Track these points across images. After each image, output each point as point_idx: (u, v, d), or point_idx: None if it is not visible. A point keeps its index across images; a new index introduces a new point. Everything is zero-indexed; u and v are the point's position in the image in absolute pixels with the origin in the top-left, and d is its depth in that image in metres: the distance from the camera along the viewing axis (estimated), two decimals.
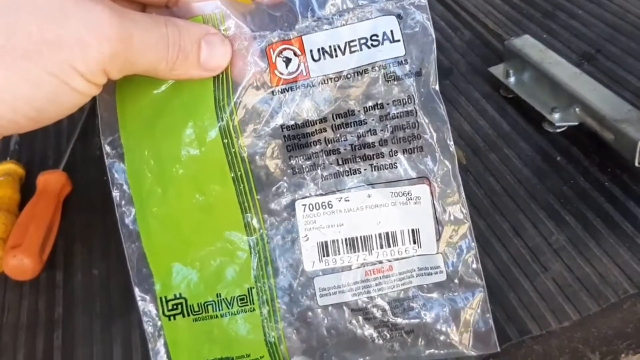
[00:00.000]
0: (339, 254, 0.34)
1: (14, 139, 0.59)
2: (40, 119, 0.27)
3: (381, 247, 0.34)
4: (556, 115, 0.48)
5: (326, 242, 0.34)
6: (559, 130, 0.49)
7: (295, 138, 0.33)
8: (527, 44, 0.53)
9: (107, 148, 0.34)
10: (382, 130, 0.33)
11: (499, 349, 0.34)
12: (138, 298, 0.34)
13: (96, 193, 0.53)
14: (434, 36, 0.32)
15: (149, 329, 0.35)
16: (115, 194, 0.34)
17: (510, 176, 0.47)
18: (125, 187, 0.34)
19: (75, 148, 0.57)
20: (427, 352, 0.35)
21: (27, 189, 0.54)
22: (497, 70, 0.55)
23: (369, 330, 0.35)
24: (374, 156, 0.33)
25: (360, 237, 0.34)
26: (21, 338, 0.44)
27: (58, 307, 0.45)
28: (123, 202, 0.34)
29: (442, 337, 0.35)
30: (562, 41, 0.58)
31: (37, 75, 0.26)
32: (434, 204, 0.33)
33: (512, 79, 0.53)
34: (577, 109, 0.47)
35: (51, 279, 0.47)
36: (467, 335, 0.34)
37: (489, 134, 0.51)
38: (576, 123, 0.48)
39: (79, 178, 0.55)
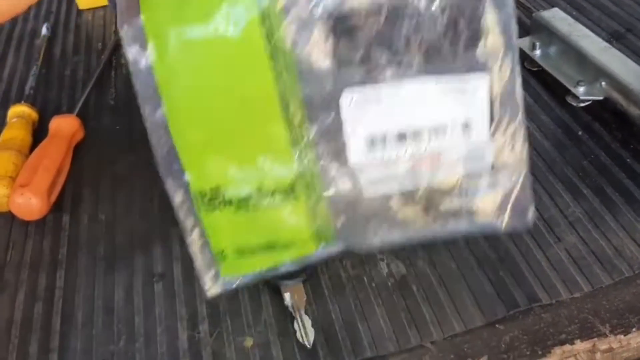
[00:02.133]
0: (387, 146, 0.32)
1: (29, 84, 0.59)
2: None
3: (430, 139, 0.32)
4: (581, 89, 0.47)
5: (374, 134, 0.32)
6: (582, 105, 0.48)
7: (344, 26, 0.30)
8: (556, 17, 0.51)
9: (127, 35, 0.30)
10: (441, 20, 0.30)
11: (531, 225, 0.35)
12: (171, 191, 0.33)
13: (108, 141, 0.53)
14: None
15: (186, 221, 0.34)
16: (139, 87, 0.30)
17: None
18: (149, 79, 0.30)
19: (89, 96, 0.57)
20: (463, 227, 0.35)
21: (39, 134, 0.53)
22: (523, 42, 0.53)
23: (412, 215, 0.34)
24: (430, 49, 0.31)
25: (410, 128, 0.32)
26: (24, 275, 0.43)
27: (62, 249, 0.45)
28: (147, 95, 0.31)
29: (480, 211, 0.35)
30: (592, 19, 0.56)
31: None
32: (490, 97, 0.32)
33: (538, 52, 0.52)
34: (603, 83, 0.46)
35: (57, 221, 0.47)
36: (506, 210, 0.35)
37: None
38: (601, 97, 0.46)
39: (92, 126, 0.54)
